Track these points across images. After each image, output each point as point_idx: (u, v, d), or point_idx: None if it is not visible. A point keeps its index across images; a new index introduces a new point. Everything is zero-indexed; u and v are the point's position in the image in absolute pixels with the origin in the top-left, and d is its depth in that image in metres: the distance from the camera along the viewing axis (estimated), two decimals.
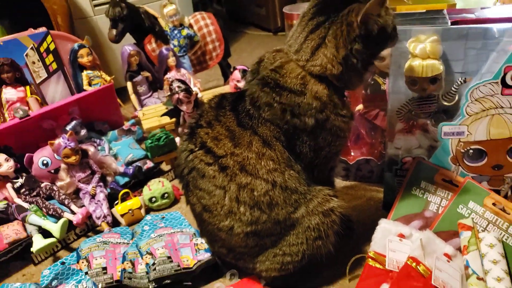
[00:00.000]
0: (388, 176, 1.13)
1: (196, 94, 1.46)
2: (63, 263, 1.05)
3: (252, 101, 0.88)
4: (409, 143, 1.09)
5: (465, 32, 0.97)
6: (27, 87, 1.55)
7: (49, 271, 1.02)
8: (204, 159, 0.88)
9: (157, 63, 1.77)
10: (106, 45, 1.98)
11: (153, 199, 1.30)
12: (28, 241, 1.16)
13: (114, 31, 1.67)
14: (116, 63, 1.97)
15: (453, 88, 1.00)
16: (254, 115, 0.88)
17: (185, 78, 1.65)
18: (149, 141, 1.41)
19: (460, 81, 0.99)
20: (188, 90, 1.39)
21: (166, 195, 1.31)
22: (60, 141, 1.23)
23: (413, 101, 1.04)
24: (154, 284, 0.96)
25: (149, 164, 1.43)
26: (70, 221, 1.19)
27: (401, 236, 0.96)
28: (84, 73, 1.63)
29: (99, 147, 1.48)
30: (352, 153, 1.30)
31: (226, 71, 1.95)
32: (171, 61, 1.70)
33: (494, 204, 0.99)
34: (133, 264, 1.02)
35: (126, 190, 1.31)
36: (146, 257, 1.02)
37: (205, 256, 1.03)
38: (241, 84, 1.52)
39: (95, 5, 1.98)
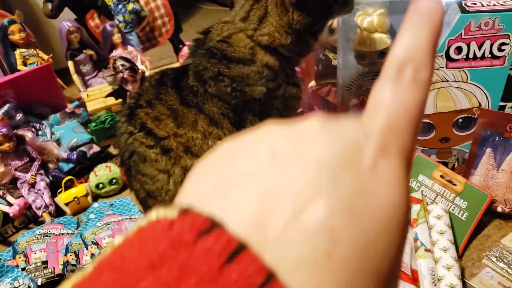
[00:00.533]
0: None
1: (143, 72, 1.38)
2: None
3: (196, 75, 0.83)
4: None
5: None
6: None
7: None
8: (145, 142, 0.83)
9: (101, 40, 1.66)
10: (45, 21, 1.84)
11: (100, 186, 1.23)
12: None
13: (49, 5, 1.54)
14: (57, 41, 1.84)
15: None
16: (199, 91, 0.82)
17: (132, 56, 1.56)
18: (94, 124, 1.33)
19: None
20: (133, 69, 1.31)
21: (114, 180, 1.25)
22: None
23: (363, 76, 1.03)
24: None
25: (95, 148, 1.36)
26: (6, 214, 1.11)
27: None
28: (18, 51, 1.50)
29: (40, 132, 1.39)
30: None
31: (177, 48, 1.87)
32: (116, 38, 1.60)
33: (442, 176, 1.01)
34: (77, 256, 0.97)
35: (70, 177, 1.24)
36: (91, 248, 0.97)
37: None
38: None
39: None
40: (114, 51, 1.62)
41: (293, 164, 0.18)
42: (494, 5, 0.89)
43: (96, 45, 1.67)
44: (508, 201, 0.99)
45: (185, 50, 1.51)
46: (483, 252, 0.94)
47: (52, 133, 1.40)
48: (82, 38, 1.61)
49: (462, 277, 0.88)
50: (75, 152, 1.31)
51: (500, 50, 0.91)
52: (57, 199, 1.20)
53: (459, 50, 0.92)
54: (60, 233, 1.05)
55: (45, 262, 0.95)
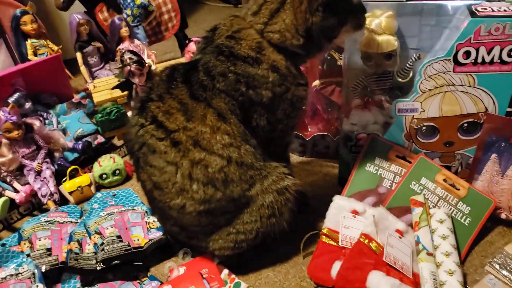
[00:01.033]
0: (343, 152, 1.13)
1: (149, 66, 1.39)
2: (3, 245, 0.99)
3: (206, 71, 0.84)
4: (365, 119, 1.08)
5: (420, 8, 0.97)
6: None
7: None
8: (155, 134, 0.83)
9: (109, 33, 1.67)
10: (56, 13, 1.85)
11: (104, 176, 1.24)
12: None
13: None
14: (66, 31, 1.84)
15: (407, 65, 1.00)
16: (208, 86, 0.83)
17: (139, 49, 1.57)
18: (100, 115, 1.34)
19: (415, 58, 0.98)
20: (140, 62, 1.32)
21: (117, 171, 1.26)
22: (0, 114, 1.14)
23: (368, 77, 1.03)
24: (102, 265, 0.92)
25: (100, 139, 1.37)
26: (12, 200, 1.13)
27: (355, 212, 0.96)
28: (29, 41, 1.51)
29: (47, 121, 1.40)
30: (309, 129, 1.29)
31: (183, 43, 1.88)
32: (124, 31, 1.61)
33: (445, 180, 1.01)
34: (80, 245, 0.98)
35: (74, 166, 1.25)
36: (94, 237, 0.98)
37: (157, 235, 1.00)
38: None
39: None
40: (121, 44, 1.63)
41: None
42: (505, 10, 0.89)
43: (104, 38, 1.68)
44: None
45: (191, 46, 1.52)
46: (485, 259, 0.94)
47: (58, 123, 1.41)
48: (91, 31, 1.62)
49: (465, 283, 0.88)
50: (80, 142, 1.32)
51: (509, 55, 0.91)
52: (61, 188, 1.21)
53: (467, 54, 0.92)
54: (64, 221, 1.06)
55: (49, 249, 0.96)
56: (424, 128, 1.02)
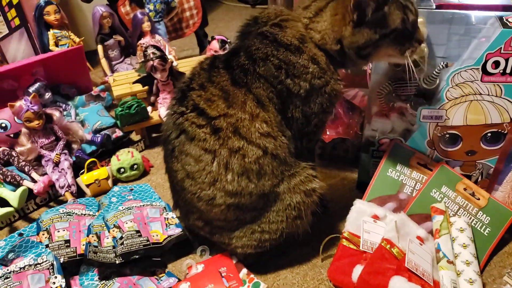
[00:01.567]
0: (364, 156, 1.13)
1: (171, 62, 1.39)
2: (20, 234, 0.99)
3: (248, 54, 0.84)
4: (384, 126, 1.08)
5: (450, 17, 0.96)
6: None
7: (5, 243, 0.97)
8: (196, 121, 0.83)
9: (130, 27, 1.67)
10: (77, 5, 1.85)
11: (122, 170, 1.25)
12: None
13: None
14: (86, 24, 1.86)
15: (434, 72, 0.99)
16: (249, 70, 0.83)
17: (159, 44, 1.57)
18: (120, 108, 1.34)
19: (442, 66, 0.98)
20: (163, 58, 1.32)
21: (135, 166, 1.26)
22: (21, 103, 1.15)
23: (394, 83, 1.03)
24: (121, 259, 0.92)
25: (118, 133, 1.37)
26: (30, 190, 1.13)
27: (375, 217, 0.96)
28: (51, 32, 1.52)
29: (65, 112, 1.40)
30: (328, 132, 1.29)
31: (202, 41, 1.88)
32: (146, 26, 1.61)
33: (465, 189, 1.00)
34: (99, 238, 0.98)
35: (93, 159, 1.25)
36: (113, 231, 0.98)
37: (176, 231, 1.00)
38: None
39: None
40: (142, 39, 1.63)
41: None
42: None
43: (125, 32, 1.68)
44: None
45: (214, 44, 1.52)
46: (504, 269, 0.94)
47: (76, 114, 1.42)
48: (113, 24, 1.62)
49: None
50: (99, 135, 1.32)
51: None
52: (78, 180, 1.22)
53: (496, 64, 0.92)
54: (82, 214, 1.06)
55: (67, 241, 0.96)
56: (447, 136, 1.02)
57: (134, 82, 1.42)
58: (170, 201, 1.00)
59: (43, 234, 0.98)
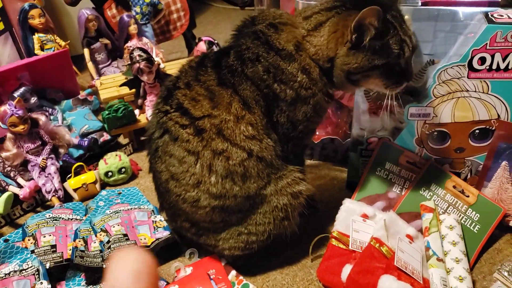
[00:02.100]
0: (353, 156, 1.12)
1: (158, 64, 1.38)
2: (6, 240, 0.97)
3: (237, 54, 0.83)
4: (374, 124, 1.08)
5: (435, 14, 0.96)
6: None
7: None
8: (180, 121, 0.82)
9: (117, 30, 1.66)
10: (63, 8, 1.84)
11: (109, 174, 1.23)
12: None
13: None
14: (73, 28, 1.84)
15: (421, 70, 0.99)
16: (237, 71, 0.82)
17: (147, 47, 1.56)
18: (107, 112, 1.33)
19: (428, 63, 0.98)
20: (149, 60, 1.31)
21: (123, 169, 1.24)
22: (6, 108, 1.13)
23: None
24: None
25: (106, 136, 1.35)
26: (16, 195, 1.11)
27: (365, 216, 0.96)
28: (36, 36, 1.50)
29: (52, 117, 1.39)
30: (317, 132, 1.28)
31: (190, 43, 1.87)
32: (133, 28, 1.60)
33: (454, 186, 1.00)
34: (86, 242, 0.96)
35: (80, 163, 1.24)
36: (100, 235, 0.96)
37: (164, 234, 0.99)
38: None
39: None
40: (129, 41, 1.62)
41: None
42: None
43: (111, 35, 1.67)
44: None
45: (201, 45, 1.51)
46: (494, 266, 0.94)
47: (63, 119, 1.40)
48: (100, 27, 1.61)
49: None
50: (86, 139, 1.31)
51: None
52: (65, 184, 1.20)
53: (482, 60, 0.92)
54: (69, 218, 1.05)
55: (54, 246, 0.95)
56: (435, 133, 1.02)
57: (121, 85, 1.41)
58: (158, 204, 0.98)
59: (28, 240, 0.96)
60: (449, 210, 0.99)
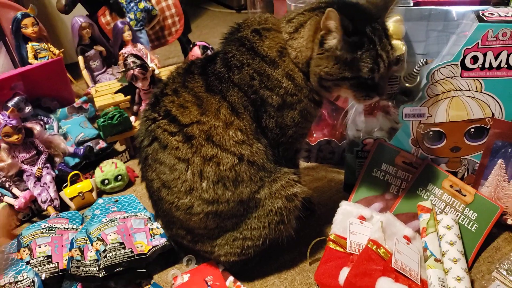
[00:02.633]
0: (349, 157, 1.12)
1: (153, 70, 1.38)
2: (1, 252, 0.97)
3: (224, 61, 0.83)
4: (370, 125, 1.08)
5: (427, 13, 0.96)
6: None
7: None
8: (168, 129, 0.82)
9: (111, 37, 1.66)
10: (57, 16, 1.84)
11: (106, 182, 1.23)
12: None
13: (63, 0, 1.55)
14: (67, 36, 1.84)
15: (415, 70, 0.99)
16: (224, 77, 0.82)
17: (141, 53, 1.56)
18: (102, 119, 1.33)
19: (422, 63, 0.98)
20: (144, 66, 1.31)
21: (119, 177, 1.24)
22: None
23: None
24: (104, 272, 0.90)
25: (102, 144, 1.35)
26: (11, 206, 1.11)
27: (362, 218, 0.95)
28: (29, 45, 1.50)
29: (47, 126, 1.38)
30: (314, 134, 1.28)
31: (186, 48, 1.87)
32: (127, 35, 1.60)
33: (451, 186, 1.00)
34: (82, 251, 0.96)
35: (75, 171, 1.23)
36: (96, 244, 0.96)
37: (161, 241, 0.98)
38: None
39: None
40: (124, 48, 1.62)
41: None
42: None
43: (106, 42, 1.67)
44: None
45: (195, 50, 1.51)
46: (492, 265, 0.93)
47: (59, 127, 1.40)
48: (93, 34, 1.61)
49: None
50: (81, 147, 1.31)
51: None
52: (62, 194, 1.20)
53: (475, 59, 0.92)
54: (65, 228, 1.04)
55: (49, 257, 0.94)
56: (431, 133, 1.02)
57: (115, 92, 1.41)
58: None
59: (24, 251, 0.96)
60: (447, 210, 0.99)
